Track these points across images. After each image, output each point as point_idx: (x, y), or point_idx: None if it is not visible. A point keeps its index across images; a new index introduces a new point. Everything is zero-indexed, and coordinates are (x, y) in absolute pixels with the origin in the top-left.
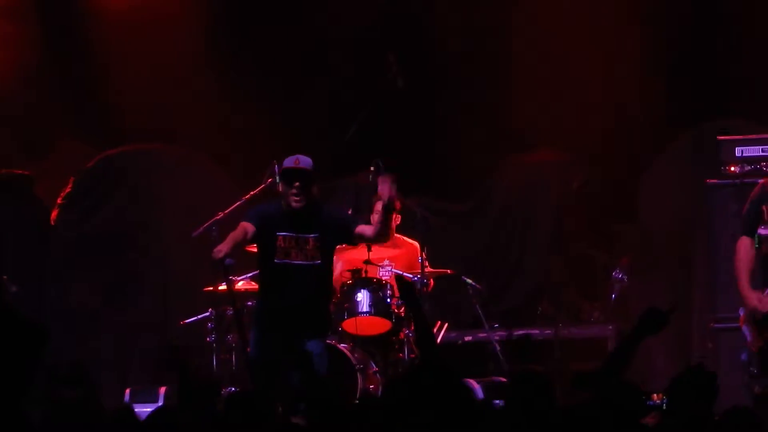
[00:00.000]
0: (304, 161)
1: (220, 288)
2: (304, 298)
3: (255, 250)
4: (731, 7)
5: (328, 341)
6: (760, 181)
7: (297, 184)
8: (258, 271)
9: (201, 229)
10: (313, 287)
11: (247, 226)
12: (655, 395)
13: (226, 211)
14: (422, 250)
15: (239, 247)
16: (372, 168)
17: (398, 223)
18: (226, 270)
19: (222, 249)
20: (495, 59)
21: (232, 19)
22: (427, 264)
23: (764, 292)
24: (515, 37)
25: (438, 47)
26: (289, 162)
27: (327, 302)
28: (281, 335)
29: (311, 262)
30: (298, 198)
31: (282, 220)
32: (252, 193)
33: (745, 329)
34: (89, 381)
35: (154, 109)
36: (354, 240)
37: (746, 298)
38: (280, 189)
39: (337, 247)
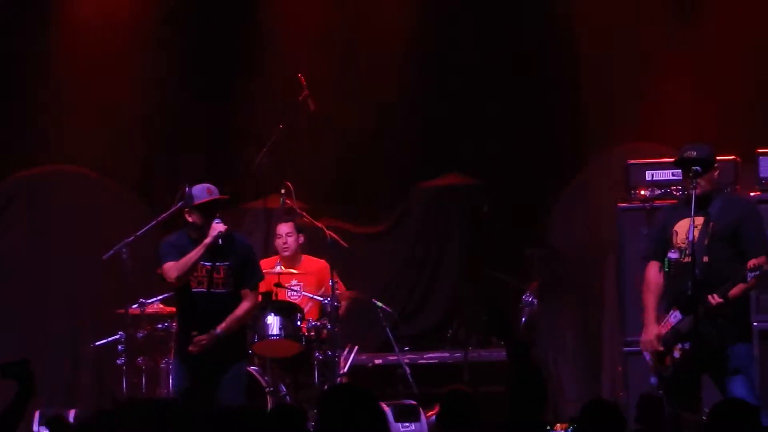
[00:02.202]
0: (215, 190)
1: (131, 310)
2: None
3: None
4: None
5: None
6: (667, 203)
7: (219, 216)
8: (174, 297)
9: (112, 251)
10: (226, 314)
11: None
12: (558, 425)
13: (137, 234)
14: (332, 272)
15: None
16: (282, 191)
17: (302, 242)
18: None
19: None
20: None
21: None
22: (341, 286)
23: (665, 320)
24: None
25: (353, 71)
26: (202, 193)
27: (242, 327)
28: (201, 365)
29: (223, 290)
30: (222, 227)
31: (193, 249)
32: (163, 216)
33: (645, 355)
34: (32, 380)
35: (62, 132)
36: None
37: (647, 330)
38: (192, 219)
39: None
